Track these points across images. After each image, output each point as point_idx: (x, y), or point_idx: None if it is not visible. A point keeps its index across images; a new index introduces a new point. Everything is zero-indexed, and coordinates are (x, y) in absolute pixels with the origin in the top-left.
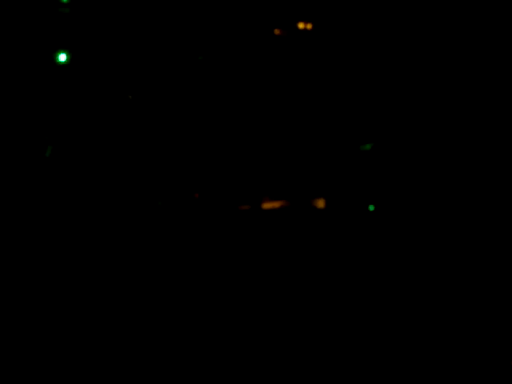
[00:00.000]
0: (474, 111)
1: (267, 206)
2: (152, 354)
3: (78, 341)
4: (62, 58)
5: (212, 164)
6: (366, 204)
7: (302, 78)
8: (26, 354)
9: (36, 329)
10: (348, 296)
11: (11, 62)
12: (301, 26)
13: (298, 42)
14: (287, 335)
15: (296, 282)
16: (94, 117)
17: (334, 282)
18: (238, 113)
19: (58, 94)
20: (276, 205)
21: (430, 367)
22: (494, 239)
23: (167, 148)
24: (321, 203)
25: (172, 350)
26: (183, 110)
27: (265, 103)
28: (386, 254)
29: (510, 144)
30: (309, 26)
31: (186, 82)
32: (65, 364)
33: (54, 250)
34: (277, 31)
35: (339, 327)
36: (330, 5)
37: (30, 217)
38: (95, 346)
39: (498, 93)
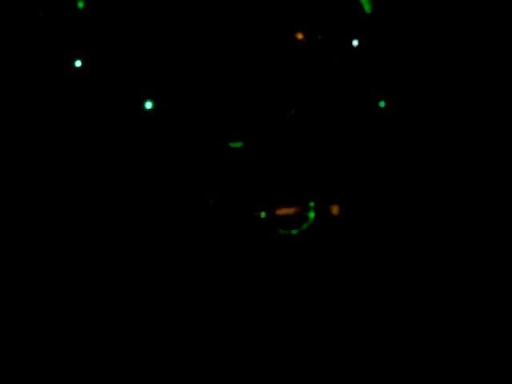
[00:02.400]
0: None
1: (281, 212)
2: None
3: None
4: (78, 63)
5: (226, 170)
6: (379, 208)
7: (315, 86)
8: (26, 354)
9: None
10: (359, 301)
11: (28, 68)
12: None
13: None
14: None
15: (308, 289)
16: (108, 122)
17: (346, 287)
18: (251, 117)
19: (73, 99)
20: (290, 211)
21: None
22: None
23: (181, 153)
24: (335, 209)
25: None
26: (198, 116)
27: (277, 107)
28: (398, 257)
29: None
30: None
31: (198, 87)
32: (65, 364)
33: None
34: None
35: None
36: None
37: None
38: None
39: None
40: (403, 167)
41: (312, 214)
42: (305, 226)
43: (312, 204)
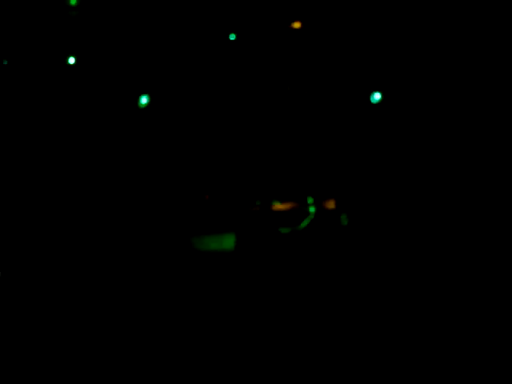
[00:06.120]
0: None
1: (277, 207)
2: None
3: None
4: (71, 60)
5: (223, 166)
6: (375, 206)
7: (312, 82)
8: (27, 353)
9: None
10: (355, 295)
11: (23, 65)
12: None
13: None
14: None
15: (304, 282)
16: (103, 118)
17: (341, 280)
18: (249, 116)
19: (67, 96)
20: (286, 206)
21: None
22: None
23: (178, 150)
24: (331, 204)
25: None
26: (195, 113)
27: (275, 105)
28: (392, 253)
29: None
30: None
31: (197, 83)
32: (65, 364)
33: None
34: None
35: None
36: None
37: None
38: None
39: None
40: (398, 164)
41: (312, 209)
42: (305, 222)
43: (311, 200)
